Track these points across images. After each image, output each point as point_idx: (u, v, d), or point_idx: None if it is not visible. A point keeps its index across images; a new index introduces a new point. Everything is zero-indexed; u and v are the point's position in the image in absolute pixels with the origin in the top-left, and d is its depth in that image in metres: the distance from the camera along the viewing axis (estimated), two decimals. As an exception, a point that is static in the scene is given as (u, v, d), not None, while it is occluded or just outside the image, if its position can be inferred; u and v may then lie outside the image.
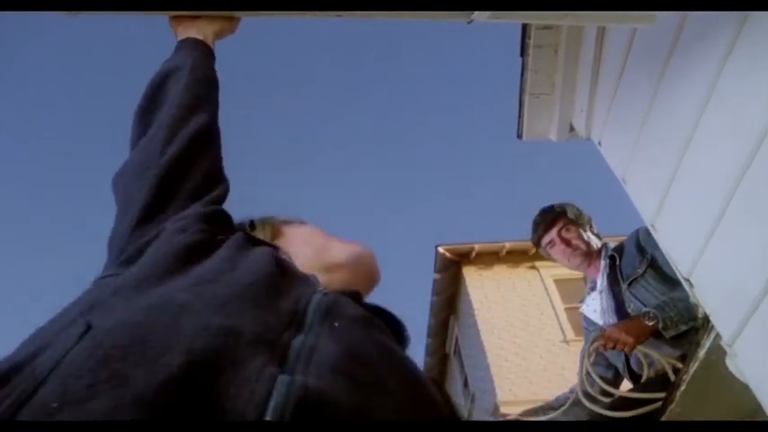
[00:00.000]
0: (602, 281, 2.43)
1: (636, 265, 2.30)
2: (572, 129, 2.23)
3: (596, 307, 2.47)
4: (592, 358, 2.20)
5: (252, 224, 1.16)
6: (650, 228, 1.78)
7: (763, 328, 1.38)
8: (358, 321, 0.84)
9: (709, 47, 1.43)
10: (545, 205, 2.63)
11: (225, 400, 0.59)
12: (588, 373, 2.17)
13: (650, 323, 2.03)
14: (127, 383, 0.58)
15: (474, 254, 10.79)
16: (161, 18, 1.35)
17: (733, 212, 1.44)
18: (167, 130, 1.05)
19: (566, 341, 9.79)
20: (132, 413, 0.55)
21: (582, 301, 2.71)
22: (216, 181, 1.07)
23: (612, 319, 2.35)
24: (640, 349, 2.03)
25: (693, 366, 1.63)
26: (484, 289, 10.63)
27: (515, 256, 10.91)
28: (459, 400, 11.54)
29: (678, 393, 1.74)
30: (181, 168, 1.03)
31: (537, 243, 2.63)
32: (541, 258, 11.05)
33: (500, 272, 10.90)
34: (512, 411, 9.24)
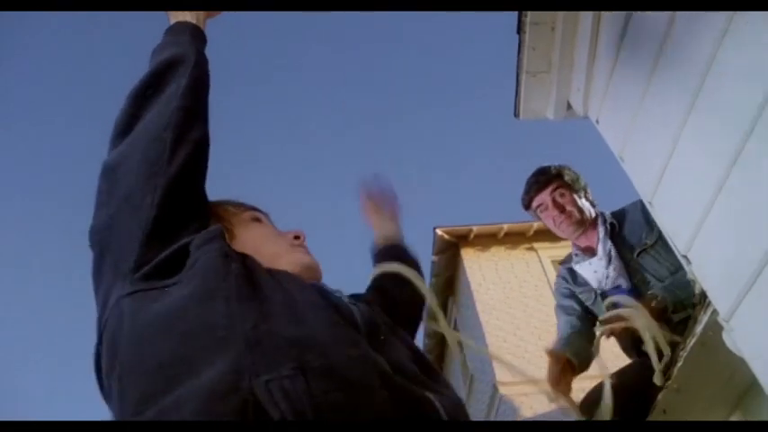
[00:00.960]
0: (604, 247, 2.33)
1: (643, 235, 2.23)
2: (569, 107, 2.22)
3: (596, 269, 2.35)
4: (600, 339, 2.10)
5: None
6: (647, 205, 1.78)
7: (759, 304, 1.39)
8: (386, 327, 1.01)
9: (708, 21, 1.42)
10: (539, 168, 2.49)
11: None
12: None
13: (657, 306, 1.97)
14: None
15: (472, 236, 10.79)
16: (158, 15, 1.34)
17: (730, 189, 1.44)
18: (173, 134, 1.03)
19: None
20: None
21: (563, 263, 2.61)
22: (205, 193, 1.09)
23: (615, 285, 2.27)
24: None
25: (691, 342, 1.64)
26: (482, 270, 10.65)
27: (513, 238, 10.92)
28: (457, 381, 11.62)
29: (675, 369, 1.74)
30: (187, 180, 1.03)
31: (527, 205, 2.51)
32: (540, 240, 11.10)
33: (498, 253, 10.91)
34: (513, 392, 9.26)
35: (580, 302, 2.44)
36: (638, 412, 1.85)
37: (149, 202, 0.96)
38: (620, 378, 2.02)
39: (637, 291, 2.19)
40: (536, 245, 10.86)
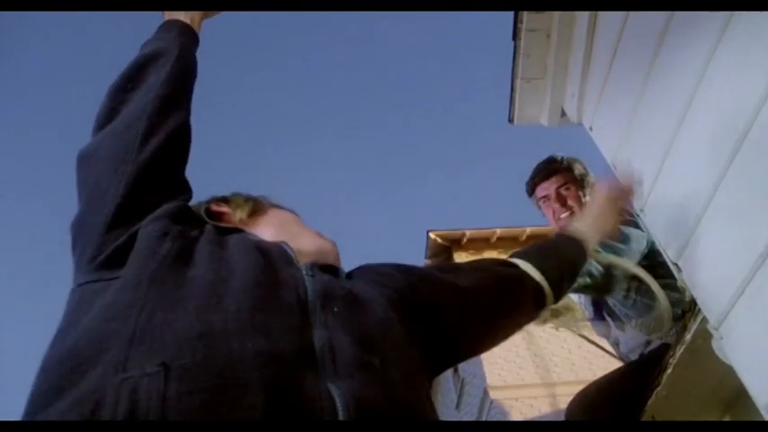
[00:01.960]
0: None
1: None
2: (563, 114, 2.23)
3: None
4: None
5: (225, 199, 1.17)
6: (639, 212, 1.79)
7: (748, 312, 1.40)
8: (347, 300, 0.92)
9: (702, 29, 1.43)
10: (552, 154, 2.42)
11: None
12: None
13: None
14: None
15: (465, 239, 10.83)
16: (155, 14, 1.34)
17: (721, 197, 1.45)
18: (147, 122, 1.02)
19: (555, 327, 9.85)
20: None
21: None
22: (185, 183, 1.07)
23: None
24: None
25: (680, 350, 1.65)
26: (474, 275, 10.69)
27: (506, 243, 10.96)
28: (448, 384, 11.63)
29: (665, 376, 1.76)
30: (157, 168, 1.01)
31: (531, 191, 2.43)
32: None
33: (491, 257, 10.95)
34: (503, 396, 9.27)
35: None
36: (628, 417, 1.86)
37: (114, 191, 0.94)
38: (610, 383, 2.04)
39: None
40: (528, 250, 10.90)
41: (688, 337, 1.64)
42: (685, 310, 1.67)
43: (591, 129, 2.07)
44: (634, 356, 2.17)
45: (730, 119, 1.40)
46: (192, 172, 1.09)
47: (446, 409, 11.90)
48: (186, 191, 1.07)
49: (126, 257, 0.87)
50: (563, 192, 2.34)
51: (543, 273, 1.21)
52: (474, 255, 10.93)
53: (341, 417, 0.70)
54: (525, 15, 2.03)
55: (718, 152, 1.44)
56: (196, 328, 0.73)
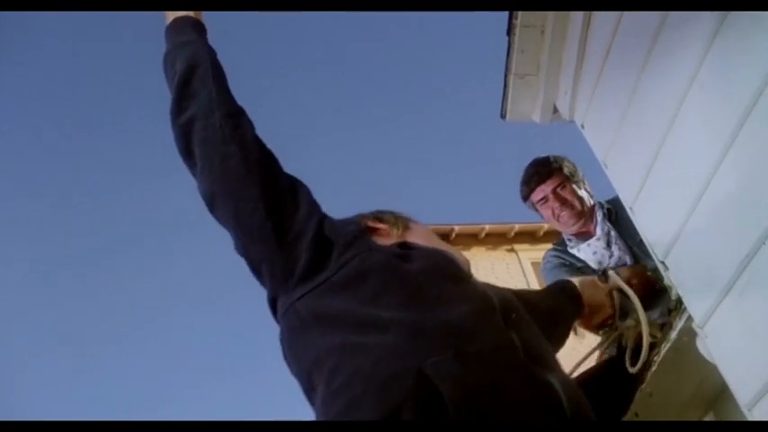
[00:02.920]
0: (602, 228, 2.31)
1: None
2: (555, 110, 2.23)
3: (595, 249, 2.32)
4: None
5: (378, 216, 1.30)
6: (629, 210, 1.80)
7: (733, 311, 1.41)
8: (514, 306, 1.10)
9: (696, 29, 1.44)
10: (539, 157, 2.45)
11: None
12: None
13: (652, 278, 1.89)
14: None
15: (454, 235, 10.84)
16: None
17: (710, 197, 1.47)
18: (236, 145, 1.11)
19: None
20: None
21: (554, 246, 2.56)
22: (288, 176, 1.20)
23: (620, 263, 2.25)
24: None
25: (665, 348, 1.66)
26: (462, 270, 10.73)
27: (494, 239, 11.00)
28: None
29: (649, 374, 1.77)
30: (271, 172, 1.13)
31: (526, 196, 2.45)
32: (520, 242, 11.14)
33: (479, 253, 10.97)
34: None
35: (572, 272, 2.38)
36: (611, 413, 1.87)
37: (258, 218, 1.05)
38: (593, 378, 2.04)
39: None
40: (516, 246, 10.94)
41: (673, 335, 1.65)
42: (671, 308, 1.68)
43: (582, 126, 2.08)
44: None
45: (721, 120, 1.41)
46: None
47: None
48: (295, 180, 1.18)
49: (320, 262, 1.02)
50: (560, 191, 2.38)
51: None
52: (462, 250, 10.96)
53: (564, 404, 0.85)
54: (520, 12, 2.03)
55: (707, 153, 1.45)
56: (453, 324, 0.91)
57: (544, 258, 2.57)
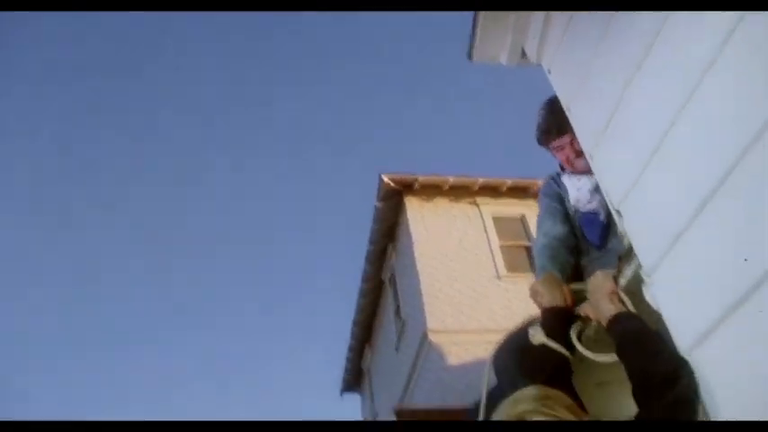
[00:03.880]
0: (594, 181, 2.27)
1: None
2: (524, 54, 2.19)
3: (579, 186, 2.35)
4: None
5: None
6: (588, 157, 1.79)
7: (680, 262, 1.42)
8: None
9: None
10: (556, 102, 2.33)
11: None
12: None
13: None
14: None
15: (417, 185, 10.83)
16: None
17: (666, 147, 1.46)
18: None
19: (498, 277, 10.07)
20: None
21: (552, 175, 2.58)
22: None
23: (591, 211, 2.29)
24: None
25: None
26: (424, 221, 10.75)
27: (458, 191, 11.02)
28: (390, 325, 11.84)
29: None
30: None
31: (545, 140, 2.43)
32: (483, 195, 11.18)
33: (441, 205, 11.01)
34: (442, 340, 9.48)
35: (563, 204, 2.42)
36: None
37: None
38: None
39: (607, 227, 2.21)
40: (479, 200, 11.00)
41: (622, 282, 1.67)
42: (621, 257, 1.69)
43: (549, 71, 2.04)
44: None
45: (682, 73, 1.39)
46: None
47: (386, 349, 12.17)
48: None
49: None
50: (576, 143, 2.30)
51: None
52: (425, 201, 10.98)
53: None
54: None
55: (668, 103, 1.44)
56: None
57: (545, 180, 2.59)
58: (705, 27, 1.31)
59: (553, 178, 2.51)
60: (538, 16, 2.06)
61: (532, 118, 2.48)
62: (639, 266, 1.57)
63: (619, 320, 1.61)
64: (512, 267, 10.13)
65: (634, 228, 1.59)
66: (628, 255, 1.65)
